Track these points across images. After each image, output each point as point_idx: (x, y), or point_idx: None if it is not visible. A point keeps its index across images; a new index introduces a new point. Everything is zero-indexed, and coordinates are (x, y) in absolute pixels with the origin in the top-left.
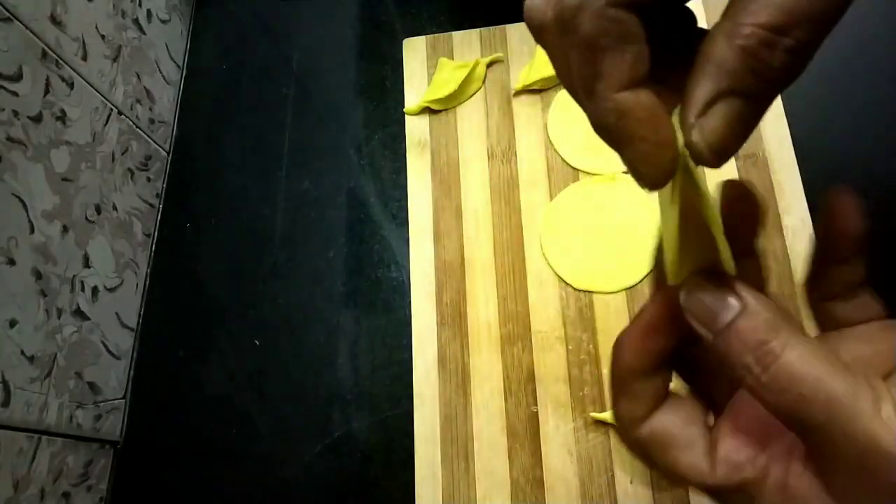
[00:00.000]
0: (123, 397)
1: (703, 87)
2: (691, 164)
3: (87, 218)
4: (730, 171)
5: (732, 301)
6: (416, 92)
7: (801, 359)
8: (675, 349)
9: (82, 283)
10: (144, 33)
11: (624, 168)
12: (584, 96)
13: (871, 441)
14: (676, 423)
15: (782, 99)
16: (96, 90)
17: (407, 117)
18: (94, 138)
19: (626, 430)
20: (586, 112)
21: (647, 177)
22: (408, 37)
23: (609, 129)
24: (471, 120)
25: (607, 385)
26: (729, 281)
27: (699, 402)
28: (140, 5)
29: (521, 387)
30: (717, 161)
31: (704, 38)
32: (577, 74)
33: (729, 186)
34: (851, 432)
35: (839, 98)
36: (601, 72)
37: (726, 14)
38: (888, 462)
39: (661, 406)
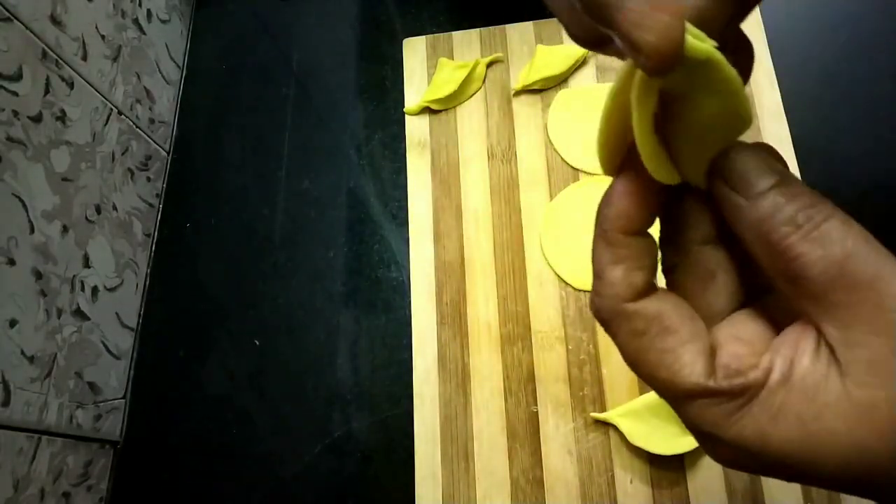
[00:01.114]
0: (123, 397)
1: None
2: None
3: (87, 218)
4: None
5: (775, 168)
6: (416, 92)
7: (850, 221)
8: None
9: (82, 283)
10: (144, 33)
11: None
12: None
13: None
14: (680, 313)
15: (782, 99)
16: (96, 90)
17: (407, 117)
18: (94, 138)
19: (617, 300)
20: None
21: (651, 47)
22: (408, 37)
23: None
24: (471, 120)
25: (608, 383)
26: (765, 151)
27: (724, 295)
28: (140, 5)
29: (521, 387)
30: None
31: None
32: None
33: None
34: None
35: (839, 98)
36: None
37: None
38: None
39: (657, 291)
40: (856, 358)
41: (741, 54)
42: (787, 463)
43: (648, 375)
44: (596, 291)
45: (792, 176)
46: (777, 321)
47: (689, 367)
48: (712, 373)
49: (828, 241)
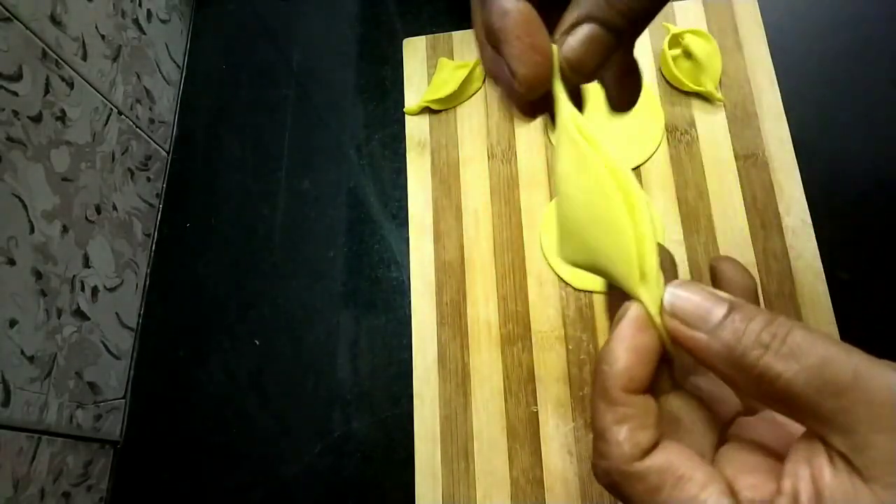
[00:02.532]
0: (123, 397)
1: (571, 13)
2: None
3: (87, 218)
4: (730, 170)
5: (719, 296)
6: (416, 92)
7: (810, 329)
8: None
9: (82, 283)
10: (144, 33)
11: None
12: (480, 4)
13: None
14: (688, 459)
15: (782, 99)
16: (96, 90)
17: (407, 117)
18: (94, 138)
19: (626, 462)
20: (482, 18)
21: (520, 75)
22: (408, 37)
23: (494, 28)
24: (471, 120)
25: None
26: (705, 285)
27: (708, 436)
28: (140, 5)
29: (521, 387)
30: (574, 76)
31: None
32: None
33: None
34: (881, 383)
35: (839, 98)
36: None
37: None
38: None
39: (664, 438)
40: (871, 461)
41: (626, 80)
42: None
43: None
44: (600, 454)
45: (738, 298)
46: (762, 444)
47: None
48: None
49: (799, 352)
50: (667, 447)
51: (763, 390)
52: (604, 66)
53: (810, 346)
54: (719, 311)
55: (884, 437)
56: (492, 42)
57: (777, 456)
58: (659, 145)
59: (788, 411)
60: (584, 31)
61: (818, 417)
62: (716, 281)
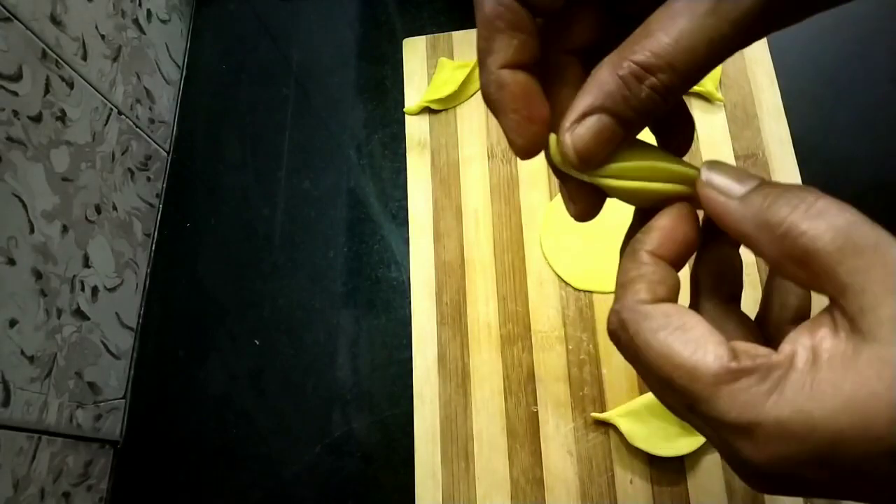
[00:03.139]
0: (123, 397)
1: (583, 100)
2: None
3: (87, 218)
4: None
5: (754, 174)
6: (416, 92)
7: (839, 201)
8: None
9: (82, 283)
10: (144, 33)
11: None
12: (480, 67)
13: None
14: (691, 314)
15: (782, 99)
16: (96, 90)
17: (407, 117)
18: (94, 138)
19: (637, 302)
20: (481, 85)
21: (516, 145)
22: (408, 37)
23: (490, 98)
24: (471, 120)
25: (608, 383)
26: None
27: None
28: (140, 5)
29: (521, 387)
30: (580, 164)
31: (597, 65)
32: (478, 47)
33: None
34: None
35: (839, 98)
36: (491, 48)
37: (618, 49)
38: None
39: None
40: (878, 320)
41: (679, 131)
42: (836, 439)
43: (671, 367)
44: (617, 299)
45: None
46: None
47: (713, 352)
48: (735, 357)
49: (828, 214)
50: (679, 306)
51: (786, 250)
52: (612, 154)
53: (839, 210)
54: (751, 182)
55: (893, 298)
56: (489, 106)
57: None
58: None
59: (806, 272)
60: (593, 121)
61: (835, 276)
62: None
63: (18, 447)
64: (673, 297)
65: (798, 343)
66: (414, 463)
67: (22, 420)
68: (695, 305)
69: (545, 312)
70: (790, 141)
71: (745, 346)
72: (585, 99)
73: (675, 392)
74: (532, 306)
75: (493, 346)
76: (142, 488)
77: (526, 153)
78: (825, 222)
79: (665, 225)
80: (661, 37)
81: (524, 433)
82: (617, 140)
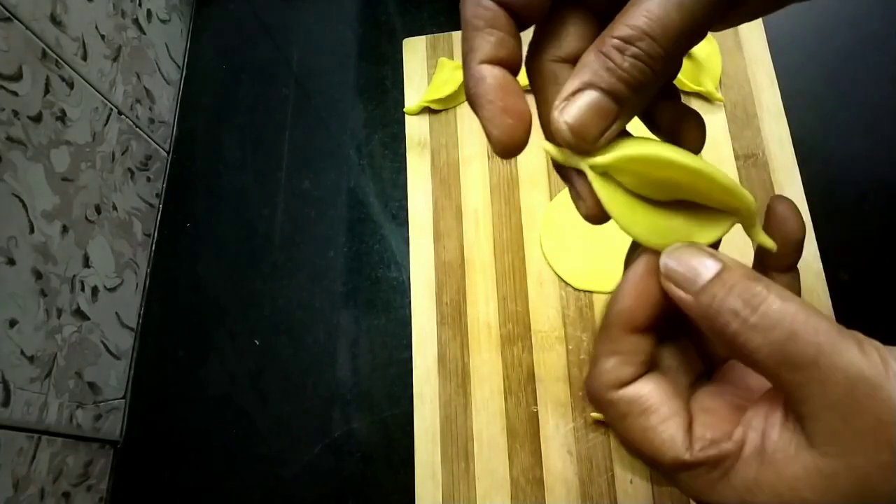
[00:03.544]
0: (123, 397)
1: (572, 81)
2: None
3: (87, 218)
4: (730, 170)
5: (712, 260)
6: (416, 92)
7: (787, 298)
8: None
9: (82, 283)
10: (144, 33)
11: None
12: (463, 67)
13: (857, 372)
14: (660, 394)
15: (782, 99)
16: (96, 90)
17: (407, 117)
18: (94, 138)
19: (605, 389)
20: (463, 81)
21: (493, 137)
22: (408, 37)
23: (470, 94)
24: (471, 120)
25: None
26: (704, 247)
27: (685, 377)
28: (140, 5)
29: (521, 387)
30: (575, 140)
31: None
32: (462, 49)
33: (778, 202)
34: (840, 364)
35: (839, 98)
36: (472, 47)
37: (601, 34)
38: (874, 392)
39: (646, 374)
40: (816, 431)
41: (685, 129)
42: None
43: (636, 451)
44: (591, 375)
45: (732, 262)
46: (740, 389)
47: (669, 442)
48: (690, 446)
49: (767, 326)
50: (646, 381)
51: (733, 353)
52: (605, 134)
53: (779, 320)
54: (705, 276)
55: (831, 413)
56: (470, 103)
57: (750, 402)
58: None
59: (756, 372)
60: (586, 98)
61: (776, 383)
62: (768, 219)
63: (18, 447)
64: (640, 371)
65: (750, 429)
66: (414, 463)
67: (22, 420)
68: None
69: (545, 312)
70: (790, 141)
71: (700, 429)
72: (574, 80)
73: (644, 460)
74: (532, 306)
75: (493, 346)
76: (142, 488)
77: (503, 147)
78: (762, 336)
79: (632, 290)
80: (635, 11)
81: (524, 433)
82: (609, 115)
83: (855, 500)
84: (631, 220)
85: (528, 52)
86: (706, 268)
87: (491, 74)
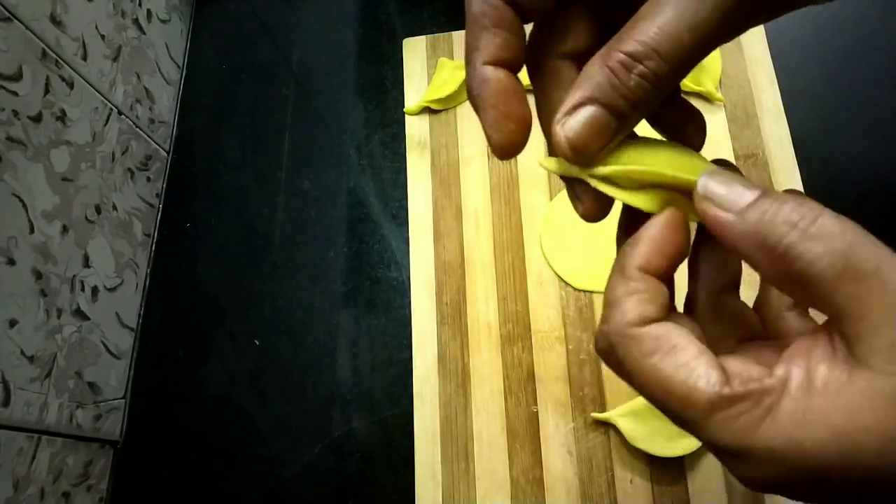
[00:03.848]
0: (123, 397)
1: (574, 94)
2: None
3: (87, 218)
4: None
5: (756, 184)
6: (416, 92)
7: (841, 217)
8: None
9: (82, 283)
10: (144, 33)
11: None
12: (466, 64)
13: None
14: (687, 334)
15: (782, 99)
16: (96, 90)
17: (407, 117)
18: (94, 138)
19: (627, 326)
20: (465, 78)
21: (493, 140)
22: (408, 37)
23: (472, 94)
24: (471, 120)
25: (608, 383)
26: (740, 176)
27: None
28: (140, 5)
29: (521, 387)
30: (574, 155)
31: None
32: (465, 45)
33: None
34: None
35: (839, 98)
36: (476, 45)
37: (607, 43)
38: None
39: (667, 319)
40: (873, 349)
41: (686, 126)
42: (826, 468)
43: (664, 394)
44: (605, 319)
45: (770, 187)
46: (767, 350)
47: (705, 378)
48: (728, 382)
49: (827, 235)
50: (669, 323)
51: (783, 270)
52: (605, 147)
53: (840, 230)
54: (750, 195)
55: (890, 326)
56: (471, 102)
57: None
58: None
59: (804, 293)
60: (586, 112)
61: (832, 301)
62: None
63: (18, 447)
64: (662, 314)
65: (793, 364)
66: (414, 463)
67: (22, 420)
68: (692, 293)
69: (545, 312)
70: (790, 141)
71: (737, 368)
72: (576, 92)
73: (670, 412)
74: (532, 306)
75: (493, 346)
76: (142, 488)
77: (502, 151)
78: (823, 245)
79: (653, 236)
80: (645, 26)
81: (524, 433)
82: (610, 131)
83: None
84: (635, 200)
85: (529, 44)
86: (750, 188)
87: (495, 77)
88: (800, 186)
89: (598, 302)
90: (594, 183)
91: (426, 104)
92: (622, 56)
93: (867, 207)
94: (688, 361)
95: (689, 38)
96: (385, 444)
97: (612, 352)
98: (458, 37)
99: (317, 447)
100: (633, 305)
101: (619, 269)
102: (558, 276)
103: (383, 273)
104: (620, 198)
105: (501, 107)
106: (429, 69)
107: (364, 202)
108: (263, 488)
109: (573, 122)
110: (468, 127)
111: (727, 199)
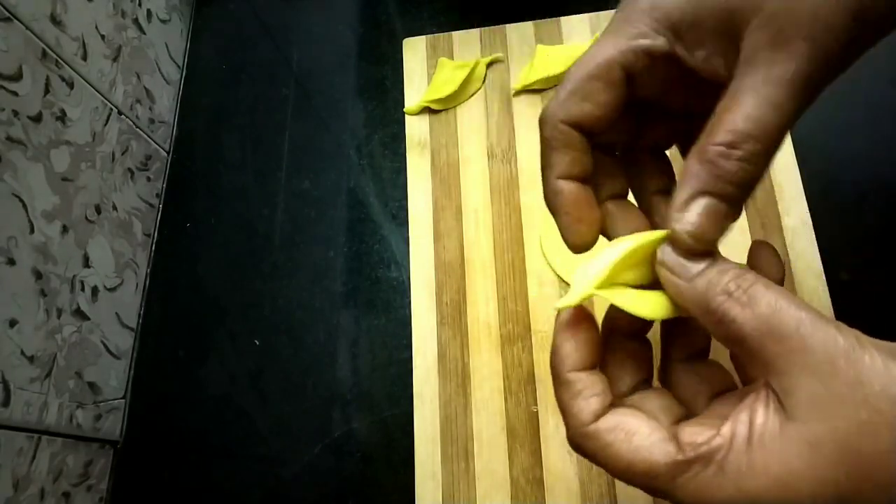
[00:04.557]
0: (123, 397)
1: (683, 191)
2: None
3: (87, 218)
4: None
5: (706, 255)
6: (416, 92)
7: (772, 286)
8: (601, 344)
9: (82, 283)
10: (144, 33)
11: None
12: (542, 177)
13: (834, 340)
14: (637, 417)
15: None
16: (96, 90)
17: (407, 117)
18: (94, 138)
19: (581, 426)
20: (543, 188)
21: (568, 241)
22: (408, 37)
23: (549, 202)
24: (471, 120)
25: None
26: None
27: (665, 417)
28: (140, 5)
29: (521, 387)
30: (696, 243)
31: (686, 158)
32: (541, 161)
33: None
34: (818, 335)
35: (839, 98)
36: (549, 163)
37: (697, 141)
38: (850, 356)
39: (615, 408)
40: (797, 401)
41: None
42: None
43: (631, 474)
44: (566, 426)
45: (719, 255)
46: (716, 413)
47: (661, 453)
48: (681, 449)
49: (755, 301)
50: (618, 411)
51: (722, 332)
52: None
53: (765, 296)
54: (702, 263)
55: (809, 380)
56: (550, 211)
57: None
58: None
59: (741, 352)
60: (701, 204)
61: (761, 359)
62: (750, 261)
63: (18, 447)
64: (607, 402)
65: (738, 420)
66: (414, 463)
67: (22, 420)
68: (663, 363)
69: (545, 312)
70: (790, 141)
71: (690, 436)
72: (684, 190)
73: (644, 488)
74: (532, 306)
75: (493, 346)
76: (142, 488)
77: (576, 248)
78: (751, 310)
79: (564, 339)
80: (731, 117)
81: (524, 433)
82: (725, 216)
83: (841, 465)
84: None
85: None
86: (701, 258)
87: (567, 189)
88: (800, 186)
89: (598, 302)
90: (604, 295)
91: (426, 104)
92: (718, 148)
93: (867, 207)
94: (641, 443)
95: (775, 117)
96: (385, 444)
97: (581, 451)
98: (458, 37)
99: (317, 447)
100: (580, 405)
101: (555, 378)
102: (558, 276)
103: (383, 273)
104: (623, 304)
105: (574, 213)
106: (429, 69)
107: (364, 202)
108: (263, 488)
109: (690, 216)
110: (468, 127)
111: (681, 267)
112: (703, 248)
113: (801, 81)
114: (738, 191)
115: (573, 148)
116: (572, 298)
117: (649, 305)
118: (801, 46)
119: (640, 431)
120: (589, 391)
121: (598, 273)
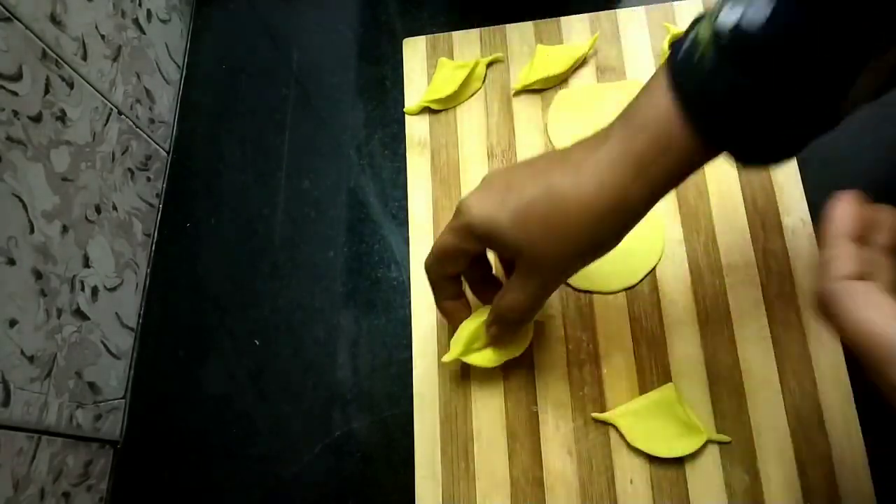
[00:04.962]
0: (123, 397)
1: (489, 317)
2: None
3: (87, 218)
4: (730, 171)
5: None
6: (416, 92)
7: None
8: None
9: (82, 283)
10: (144, 33)
11: None
12: (434, 298)
13: None
14: (881, 291)
15: None
16: (96, 90)
17: (407, 117)
18: (94, 138)
19: (841, 278)
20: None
21: (450, 325)
22: (408, 37)
23: (441, 311)
24: (471, 120)
25: (608, 383)
26: None
27: None
28: (140, 5)
29: (521, 387)
30: (498, 334)
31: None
32: (431, 291)
33: None
34: None
35: None
36: (435, 293)
37: (494, 300)
38: None
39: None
40: None
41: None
42: None
43: (862, 337)
44: (821, 277)
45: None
46: None
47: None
48: None
49: None
50: (870, 282)
51: None
52: (516, 331)
53: None
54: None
55: None
56: (441, 314)
57: None
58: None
59: None
60: (493, 329)
61: None
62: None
63: (18, 447)
64: (860, 271)
65: None
66: (414, 463)
67: (22, 420)
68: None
69: (545, 312)
70: None
71: None
72: (489, 316)
73: (873, 363)
74: None
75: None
76: (142, 488)
77: (454, 326)
78: None
79: (843, 205)
80: (500, 301)
81: (524, 433)
82: (508, 328)
83: None
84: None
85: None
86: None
87: (451, 306)
88: (800, 186)
89: (598, 302)
90: (461, 358)
91: (426, 104)
92: (497, 311)
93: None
94: (891, 317)
95: (524, 303)
96: (385, 444)
97: (829, 304)
98: (458, 37)
99: (317, 447)
100: (843, 261)
101: (826, 236)
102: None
103: (383, 273)
104: (476, 362)
105: (454, 316)
106: (429, 69)
107: (364, 202)
108: (263, 488)
109: (492, 329)
110: (468, 127)
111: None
112: (510, 333)
113: (538, 292)
114: (511, 325)
115: (448, 284)
116: (447, 358)
117: (485, 358)
118: (538, 278)
119: (886, 305)
120: (852, 255)
121: (456, 341)
